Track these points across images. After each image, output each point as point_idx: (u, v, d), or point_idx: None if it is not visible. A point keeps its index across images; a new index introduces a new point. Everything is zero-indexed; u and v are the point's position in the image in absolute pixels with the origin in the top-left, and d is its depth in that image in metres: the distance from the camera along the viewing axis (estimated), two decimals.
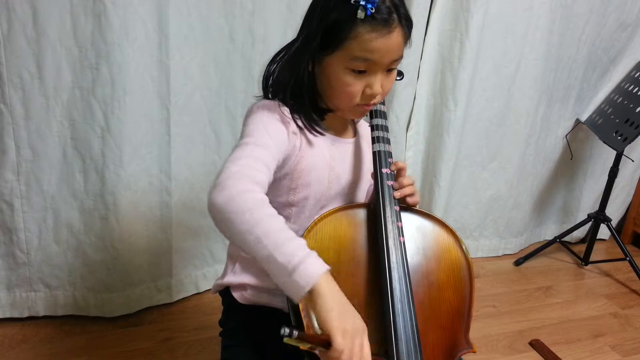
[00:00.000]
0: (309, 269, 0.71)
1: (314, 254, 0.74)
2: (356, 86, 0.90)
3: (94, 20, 1.37)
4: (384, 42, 0.86)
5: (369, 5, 0.83)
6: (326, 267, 0.74)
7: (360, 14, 0.83)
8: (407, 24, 0.89)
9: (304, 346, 0.73)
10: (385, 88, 0.92)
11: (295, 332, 0.71)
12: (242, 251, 1.03)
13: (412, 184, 0.98)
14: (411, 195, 0.98)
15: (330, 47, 0.88)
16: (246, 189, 0.76)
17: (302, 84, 0.92)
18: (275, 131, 0.90)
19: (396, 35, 0.87)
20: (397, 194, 0.95)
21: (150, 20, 1.44)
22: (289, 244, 0.73)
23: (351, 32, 0.85)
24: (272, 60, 0.97)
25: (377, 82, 0.90)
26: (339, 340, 0.70)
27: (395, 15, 0.86)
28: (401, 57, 0.91)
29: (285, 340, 0.71)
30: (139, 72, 1.46)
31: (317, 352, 0.74)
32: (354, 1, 0.83)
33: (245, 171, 0.79)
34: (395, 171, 0.98)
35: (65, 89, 1.42)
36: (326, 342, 0.71)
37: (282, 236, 0.74)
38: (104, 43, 1.39)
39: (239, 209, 0.74)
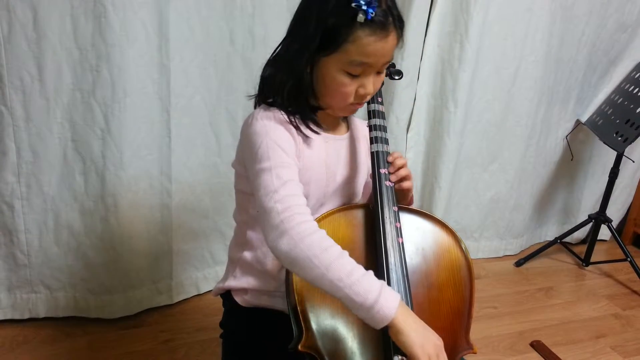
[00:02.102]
0: (385, 305, 0.76)
1: (386, 287, 0.78)
2: (351, 87, 0.91)
3: (94, 22, 1.37)
4: (382, 45, 0.87)
5: (370, 10, 0.83)
6: (398, 297, 0.79)
7: (361, 17, 0.83)
8: (400, 25, 0.89)
9: None
10: (376, 87, 0.94)
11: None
12: (242, 255, 1.03)
13: (405, 165, 0.99)
14: (406, 178, 0.99)
15: (328, 48, 0.88)
16: (306, 232, 0.79)
17: (301, 85, 0.92)
18: (286, 144, 0.90)
19: (392, 38, 0.88)
20: (394, 177, 0.97)
21: (151, 23, 1.44)
22: (361, 283, 0.77)
23: (350, 36, 0.85)
24: (268, 64, 0.97)
25: (370, 83, 0.91)
26: None
27: (390, 18, 0.86)
28: (392, 58, 0.93)
29: None
30: (139, 74, 1.47)
31: None
32: (355, 5, 0.83)
33: (290, 204, 0.82)
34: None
35: (66, 90, 1.42)
36: None
37: (354, 277, 0.77)
38: (104, 45, 1.39)
39: (306, 255, 0.78)
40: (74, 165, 1.50)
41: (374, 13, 0.83)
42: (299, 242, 0.78)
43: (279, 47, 0.97)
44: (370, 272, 0.79)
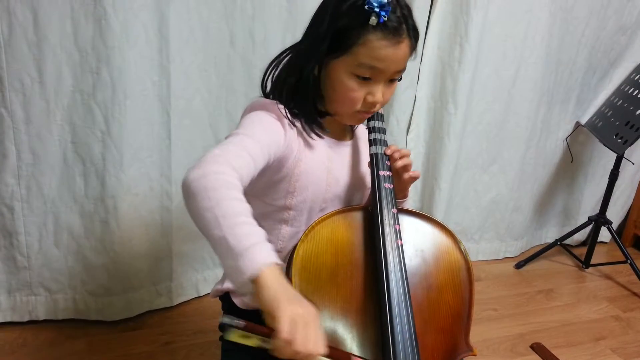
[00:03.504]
0: (257, 256, 0.69)
1: (267, 245, 0.72)
2: (359, 92, 0.90)
3: (94, 25, 1.38)
4: (393, 51, 0.86)
5: (383, 13, 0.83)
6: (275, 260, 0.71)
7: (373, 20, 0.83)
8: (414, 36, 0.89)
9: (250, 342, 0.67)
10: (386, 97, 0.93)
11: (241, 323, 0.65)
12: None
13: (408, 155, 0.98)
14: (409, 165, 0.98)
15: (337, 51, 0.88)
16: (220, 171, 0.76)
17: (307, 86, 0.92)
18: (270, 128, 0.90)
19: (404, 45, 0.87)
20: (400, 163, 0.96)
21: (151, 24, 1.44)
22: (244, 228, 0.72)
23: (361, 38, 0.85)
24: (275, 61, 0.97)
25: (379, 90, 0.90)
26: (286, 328, 0.64)
27: (404, 26, 0.86)
28: (405, 68, 0.92)
29: (229, 336, 0.65)
30: (139, 76, 1.47)
31: (267, 347, 0.66)
32: (367, 7, 0.83)
33: (226, 155, 0.79)
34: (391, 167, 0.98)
35: (66, 92, 1.42)
36: (274, 333, 0.65)
37: (240, 220, 0.72)
38: (104, 47, 1.40)
39: (205, 186, 0.73)
40: (74, 167, 1.50)
41: (386, 17, 0.83)
42: (208, 175, 0.74)
43: (288, 50, 0.97)
44: (262, 230, 0.73)
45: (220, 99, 1.65)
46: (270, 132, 0.89)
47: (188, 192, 0.75)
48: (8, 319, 1.59)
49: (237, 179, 0.77)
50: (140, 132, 1.52)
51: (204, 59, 1.58)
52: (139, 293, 1.68)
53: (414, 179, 0.99)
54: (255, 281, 0.69)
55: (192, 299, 1.82)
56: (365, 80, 0.89)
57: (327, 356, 0.68)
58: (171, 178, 1.63)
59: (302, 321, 0.66)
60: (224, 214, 0.71)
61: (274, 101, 0.95)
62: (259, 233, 0.73)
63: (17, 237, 1.52)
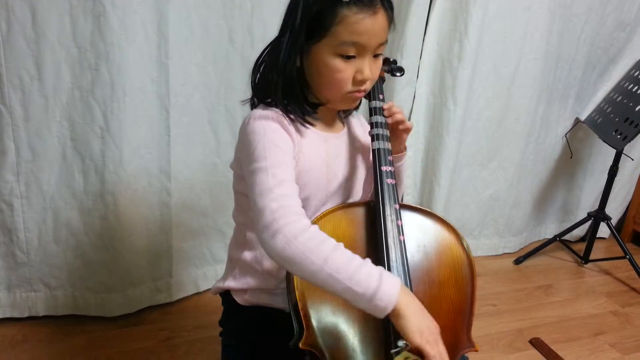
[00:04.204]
0: (388, 291, 0.76)
1: (385, 272, 0.78)
2: (346, 72, 0.89)
3: (93, 21, 1.37)
4: (371, 23, 0.86)
5: None
6: (399, 281, 0.79)
7: None
8: (389, 6, 0.89)
9: (410, 358, 0.80)
10: (374, 73, 0.92)
11: (409, 345, 0.78)
12: (242, 256, 1.02)
13: (402, 112, 1.01)
14: (402, 121, 1.00)
15: (316, 36, 0.87)
16: (300, 227, 0.78)
17: (293, 81, 0.92)
18: (283, 143, 0.89)
19: (381, 16, 0.87)
20: (390, 120, 0.99)
21: (150, 21, 1.44)
22: (361, 272, 0.77)
23: (337, 17, 0.85)
24: (257, 63, 0.97)
25: (367, 66, 0.90)
26: (430, 352, 0.77)
27: None
28: (386, 40, 0.91)
29: (397, 355, 0.79)
30: (138, 72, 1.46)
31: None
32: None
33: (283, 203, 0.80)
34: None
35: (65, 89, 1.42)
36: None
37: (353, 266, 0.77)
38: (103, 44, 1.39)
39: (301, 251, 0.76)
40: (73, 163, 1.50)
41: None
42: (293, 239, 0.77)
43: (268, 48, 0.96)
44: (368, 260, 0.79)
45: (218, 95, 1.65)
46: (287, 151, 0.89)
47: (286, 261, 0.78)
48: (8, 315, 1.59)
49: (309, 221, 0.81)
50: (139, 128, 1.52)
51: (202, 56, 1.58)
52: (139, 289, 1.69)
53: (408, 130, 1.02)
54: (393, 310, 0.77)
55: (192, 295, 1.82)
56: (350, 59, 0.88)
57: None
58: (170, 174, 1.63)
59: (434, 340, 0.78)
60: (336, 269, 0.76)
61: (271, 108, 0.93)
62: (372, 266, 0.78)
63: (16, 234, 1.51)
